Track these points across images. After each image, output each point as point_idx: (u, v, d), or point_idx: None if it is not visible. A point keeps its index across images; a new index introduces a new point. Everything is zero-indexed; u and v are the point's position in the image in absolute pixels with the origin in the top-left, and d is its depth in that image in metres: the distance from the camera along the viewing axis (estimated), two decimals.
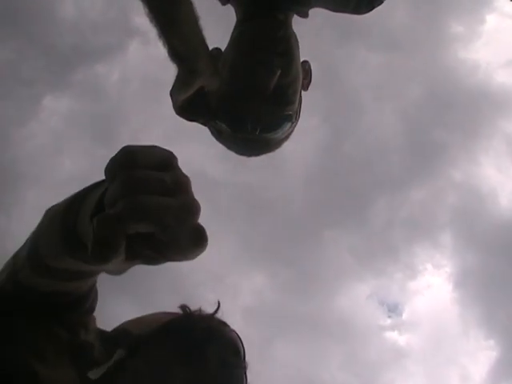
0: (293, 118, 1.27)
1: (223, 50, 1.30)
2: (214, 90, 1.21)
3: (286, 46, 1.23)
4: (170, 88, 1.19)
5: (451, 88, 7.58)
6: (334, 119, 7.48)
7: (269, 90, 1.19)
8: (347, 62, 7.16)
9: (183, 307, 1.09)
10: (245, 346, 1.09)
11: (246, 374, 1.06)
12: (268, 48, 1.21)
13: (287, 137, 1.32)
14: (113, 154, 0.48)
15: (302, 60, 1.29)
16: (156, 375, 0.96)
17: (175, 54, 1.13)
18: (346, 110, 7.43)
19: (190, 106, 1.21)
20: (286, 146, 1.34)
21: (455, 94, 7.59)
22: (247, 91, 1.19)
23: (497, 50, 7.65)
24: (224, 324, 1.10)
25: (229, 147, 1.29)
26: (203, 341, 1.02)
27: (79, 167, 6.69)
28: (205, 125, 1.30)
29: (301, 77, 1.28)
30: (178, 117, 1.25)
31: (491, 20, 7.49)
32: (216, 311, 1.10)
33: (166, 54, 1.13)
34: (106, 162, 0.48)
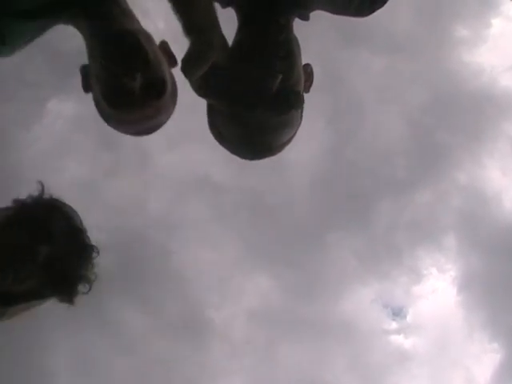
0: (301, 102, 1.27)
1: None
2: (223, 66, 1.19)
3: (288, 49, 1.24)
4: (181, 65, 1.14)
5: (455, 91, 7.57)
6: (337, 122, 7.48)
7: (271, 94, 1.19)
8: (351, 65, 7.16)
9: (15, 201, 1.29)
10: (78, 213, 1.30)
11: (88, 237, 1.28)
12: (270, 52, 1.21)
13: (289, 140, 1.32)
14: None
15: (304, 63, 1.30)
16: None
17: (192, 27, 1.13)
18: (349, 113, 7.44)
19: (207, 84, 1.18)
20: (289, 148, 1.34)
21: (459, 97, 7.57)
22: (249, 95, 1.19)
23: (502, 54, 7.64)
24: (55, 199, 1.31)
25: (231, 150, 1.30)
26: (44, 223, 1.22)
27: (83, 171, 6.71)
28: (227, 106, 1.24)
29: (303, 80, 1.28)
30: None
31: (497, 24, 7.48)
32: (42, 192, 1.30)
33: (181, 29, 1.14)
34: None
